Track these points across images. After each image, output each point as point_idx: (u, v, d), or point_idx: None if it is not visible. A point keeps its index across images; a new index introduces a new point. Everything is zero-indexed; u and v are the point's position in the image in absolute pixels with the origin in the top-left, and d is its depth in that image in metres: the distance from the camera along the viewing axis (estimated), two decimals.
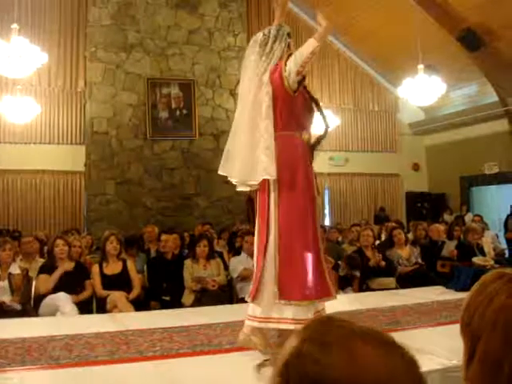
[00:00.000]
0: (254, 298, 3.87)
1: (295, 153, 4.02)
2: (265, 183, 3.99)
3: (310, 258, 3.90)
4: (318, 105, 4.30)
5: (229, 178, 4.10)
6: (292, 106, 4.04)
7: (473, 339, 1.20)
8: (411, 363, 0.95)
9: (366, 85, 16.71)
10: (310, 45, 3.91)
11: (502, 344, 1.13)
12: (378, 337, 0.97)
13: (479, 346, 1.18)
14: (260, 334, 3.83)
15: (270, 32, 4.25)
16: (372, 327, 1.00)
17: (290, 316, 3.71)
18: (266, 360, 1.68)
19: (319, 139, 4.22)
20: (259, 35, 4.28)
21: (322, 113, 4.31)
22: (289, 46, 4.26)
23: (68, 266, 6.55)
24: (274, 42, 4.22)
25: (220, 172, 4.09)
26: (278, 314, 3.78)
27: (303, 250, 3.90)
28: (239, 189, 4.23)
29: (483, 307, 1.19)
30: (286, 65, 3.98)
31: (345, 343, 0.93)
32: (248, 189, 4.25)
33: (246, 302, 4.67)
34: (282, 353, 0.97)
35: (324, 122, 4.31)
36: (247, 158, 3.99)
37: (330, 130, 4.41)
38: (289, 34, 4.33)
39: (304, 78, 4.11)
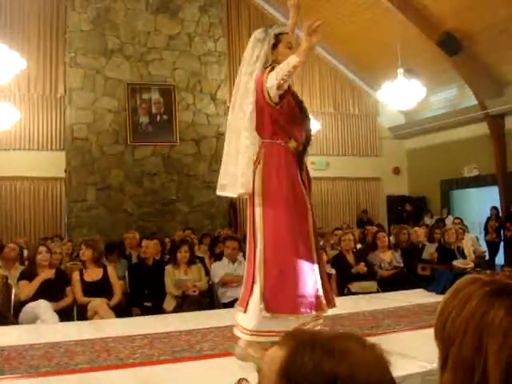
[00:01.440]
0: (246, 310, 3.87)
1: (279, 164, 3.96)
2: (251, 195, 3.98)
3: (299, 271, 3.86)
4: (302, 111, 4.23)
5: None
6: (276, 114, 3.99)
7: (446, 344, 1.21)
8: (386, 361, 1.05)
9: (346, 89, 16.78)
10: (292, 61, 3.83)
11: (474, 349, 1.13)
12: (356, 337, 1.05)
13: (452, 352, 1.18)
14: (257, 344, 3.78)
15: (254, 36, 4.22)
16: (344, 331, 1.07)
17: (277, 329, 3.65)
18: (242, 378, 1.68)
19: (304, 146, 4.17)
20: (251, 38, 4.25)
21: (306, 119, 4.26)
22: (276, 47, 4.17)
23: (48, 273, 6.50)
24: (256, 46, 4.16)
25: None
26: (267, 327, 3.75)
27: (291, 263, 3.86)
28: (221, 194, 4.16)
29: (456, 312, 1.20)
30: (267, 77, 3.90)
31: (335, 341, 1.00)
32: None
33: (226, 307, 4.68)
34: (268, 365, 0.99)
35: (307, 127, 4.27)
36: (233, 168, 3.99)
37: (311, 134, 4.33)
38: (277, 35, 4.24)
39: (288, 89, 4.02)
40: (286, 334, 1.05)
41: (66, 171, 13.12)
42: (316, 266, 3.97)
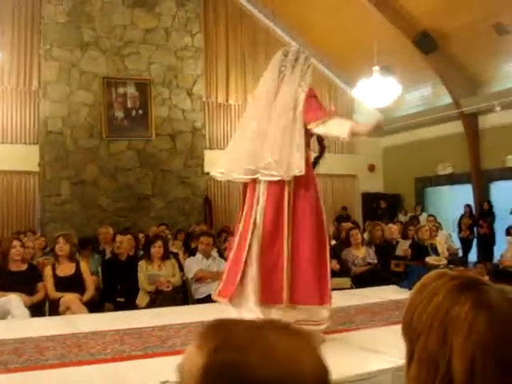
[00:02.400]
0: (232, 300, 4.06)
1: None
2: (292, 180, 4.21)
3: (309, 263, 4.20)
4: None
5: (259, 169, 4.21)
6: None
7: (412, 339, 1.21)
8: (317, 349, 0.99)
9: (323, 86, 16.78)
10: (342, 133, 4.17)
11: (438, 344, 1.13)
12: (281, 326, 0.99)
13: (417, 346, 1.18)
14: None
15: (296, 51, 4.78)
16: (271, 319, 1.03)
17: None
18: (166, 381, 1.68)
19: (316, 159, 4.68)
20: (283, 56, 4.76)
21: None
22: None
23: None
24: (297, 63, 4.64)
25: (249, 167, 4.22)
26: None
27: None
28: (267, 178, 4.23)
29: (422, 307, 1.20)
30: (315, 120, 4.24)
31: (258, 339, 0.94)
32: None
33: (200, 303, 4.70)
34: (187, 368, 0.96)
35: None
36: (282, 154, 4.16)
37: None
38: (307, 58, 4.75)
39: None
40: (204, 331, 1.00)
41: (39, 165, 12.99)
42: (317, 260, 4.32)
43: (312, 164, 4.49)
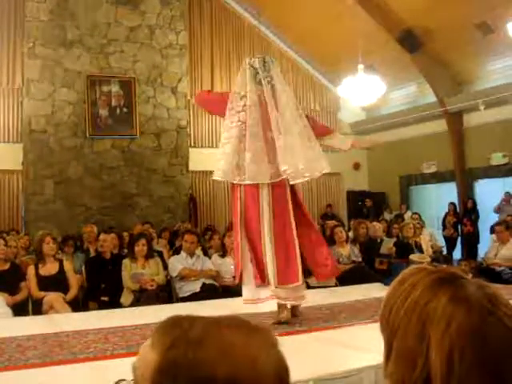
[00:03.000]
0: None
1: None
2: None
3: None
4: None
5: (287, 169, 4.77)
6: None
7: (390, 335, 1.20)
8: (276, 345, 0.98)
9: (308, 84, 16.82)
10: (344, 147, 5.90)
11: (416, 339, 1.13)
12: (239, 323, 0.98)
13: (395, 342, 1.17)
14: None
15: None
16: (230, 315, 1.02)
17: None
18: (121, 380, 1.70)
19: None
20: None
21: None
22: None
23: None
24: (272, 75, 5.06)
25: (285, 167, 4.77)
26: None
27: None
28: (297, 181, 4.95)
29: (400, 302, 1.19)
30: (328, 134, 5.80)
31: (215, 336, 0.92)
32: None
33: (184, 301, 4.76)
34: (140, 366, 0.94)
35: None
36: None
37: None
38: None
39: None
40: (158, 329, 0.98)
41: (23, 164, 12.90)
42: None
43: None
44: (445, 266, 7.94)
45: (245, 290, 5.01)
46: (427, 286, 1.17)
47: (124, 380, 1.14)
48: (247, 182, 4.83)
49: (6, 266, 6.49)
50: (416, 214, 12.69)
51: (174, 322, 0.98)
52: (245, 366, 0.89)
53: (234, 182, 4.91)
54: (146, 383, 0.92)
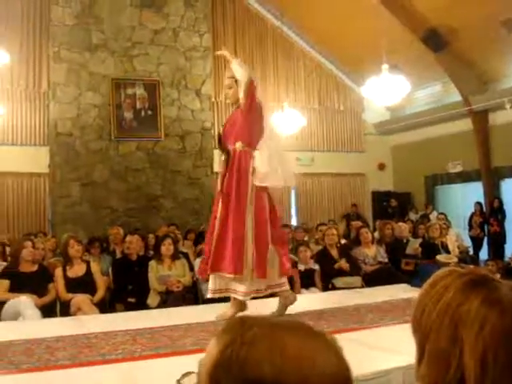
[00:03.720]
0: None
1: None
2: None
3: None
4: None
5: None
6: None
7: (422, 337, 1.20)
8: (335, 349, 0.99)
9: (332, 84, 16.78)
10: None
11: (449, 342, 1.13)
12: (298, 326, 1.00)
13: (428, 344, 1.18)
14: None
15: None
16: (291, 319, 1.03)
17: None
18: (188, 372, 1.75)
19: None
20: None
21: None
22: None
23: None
24: None
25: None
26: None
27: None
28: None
29: (432, 304, 1.19)
30: None
31: (270, 337, 0.94)
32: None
33: (210, 303, 4.78)
34: (204, 361, 0.97)
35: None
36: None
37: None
38: None
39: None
40: (224, 327, 1.02)
41: (49, 167, 13.03)
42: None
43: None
44: (472, 266, 7.89)
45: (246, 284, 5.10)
46: (459, 288, 1.17)
47: (192, 372, 1.18)
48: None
49: (34, 268, 6.57)
50: (442, 214, 12.60)
51: (238, 321, 1.02)
52: (293, 367, 0.91)
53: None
54: (206, 377, 0.96)
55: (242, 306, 5.13)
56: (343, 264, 7.53)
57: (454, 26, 12.89)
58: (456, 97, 14.46)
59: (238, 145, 5.13)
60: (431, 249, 8.23)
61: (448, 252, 8.38)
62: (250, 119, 5.14)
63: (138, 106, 13.27)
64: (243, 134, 5.17)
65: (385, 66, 11.36)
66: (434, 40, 13.24)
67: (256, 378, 0.90)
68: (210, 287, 5.16)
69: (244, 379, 0.91)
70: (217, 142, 5.39)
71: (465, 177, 15.44)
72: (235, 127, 5.23)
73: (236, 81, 5.21)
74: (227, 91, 5.39)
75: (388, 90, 11.75)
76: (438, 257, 7.80)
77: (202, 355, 3.32)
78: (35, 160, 13.20)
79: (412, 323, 1.26)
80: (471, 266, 7.79)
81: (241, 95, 5.15)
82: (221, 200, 5.16)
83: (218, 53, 5.80)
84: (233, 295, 5.16)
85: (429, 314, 1.19)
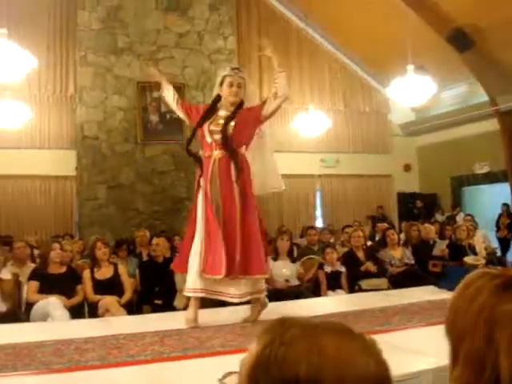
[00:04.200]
0: None
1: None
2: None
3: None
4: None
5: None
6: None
7: (456, 339, 1.20)
8: (374, 350, 1.00)
9: (357, 86, 16.72)
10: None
11: (484, 343, 1.13)
12: (337, 327, 1.00)
13: (462, 346, 1.18)
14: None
15: None
16: (330, 320, 1.03)
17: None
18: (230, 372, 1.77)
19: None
20: None
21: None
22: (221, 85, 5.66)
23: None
24: None
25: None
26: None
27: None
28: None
29: (466, 307, 1.19)
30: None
31: (308, 338, 0.95)
32: None
33: (237, 304, 4.79)
34: (245, 361, 0.98)
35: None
36: None
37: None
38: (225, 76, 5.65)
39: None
40: (265, 328, 1.02)
41: (76, 170, 13.17)
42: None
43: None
44: (500, 268, 7.82)
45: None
46: (492, 290, 1.17)
47: (233, 372, 1.19)
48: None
49: (63, 270, 6.66)
50: (469, 215, 12.50)
51: (278, 322, 1.02)
52: (331, 367, 0.91)
53: None
54: (245, 377, 0.97)
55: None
56: (370, 266, 7.51)
57: (480, 25, 12.77)
58: (482, 97, 14.33)
59: (243, 148, 5.25)
60: (458, 250, 8.16)
61: (475, 253, 8.31)
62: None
63: (164, 109, 13.32)
64: (249, 139, 5.32)
65: (410, 67, 11.31)
66: (460, 40, 13.13)
67: (293, 377, 0.91)
68: (190, 286, 5.03)
69: (282, 379, 0.92)
70: (223, 138, 5.16)
71: (492, 177, 15.29)
72: (245, 131, 5.27)
73: (244, 82, 5.42)
74: (237, 90, 5.35)
75: (414, 91, 11.69)
76: (466, 258, 7.73)
77: (229, 357, 3.36)
78: (62, 163, 13.35)
79: (445, 325, 1.26)
80: (499, 268, 7.73)
81: (272, 107, 5.26)
82: (238, 199, 5.10)
83: (264, 53, 5.82)
84: (223, 298, 5.12)
85: (463, 316, 1.19)
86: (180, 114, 5.66)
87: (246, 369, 0.97)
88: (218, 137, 5.18)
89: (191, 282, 5.00)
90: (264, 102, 5.37)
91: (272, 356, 0.94)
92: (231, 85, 5.40)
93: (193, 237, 5.14)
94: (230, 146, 5.15)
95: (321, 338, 0.95)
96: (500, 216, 14.13)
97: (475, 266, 7.09)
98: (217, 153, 5.19)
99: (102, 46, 13.12)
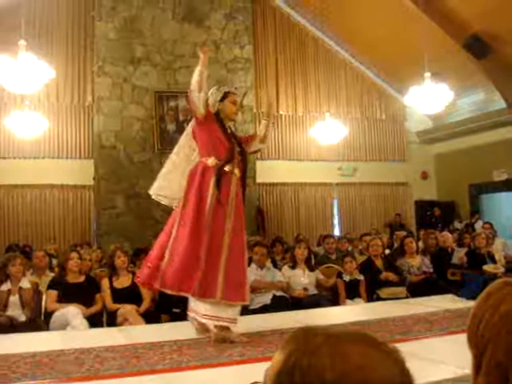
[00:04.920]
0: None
1: (194, 176, 5.16)
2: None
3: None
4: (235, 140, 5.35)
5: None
6: (200, 134, 5.34)
7: (479, 349, 1.19)
8: (397, 359, 0.97)
9: (373, 94, 16.69)
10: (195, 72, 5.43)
11: (507, 352, 1.12)
12: (361, 336, 0.99)
13: (485, 356, 1.17)
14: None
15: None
16: (353, 329, 1.03)
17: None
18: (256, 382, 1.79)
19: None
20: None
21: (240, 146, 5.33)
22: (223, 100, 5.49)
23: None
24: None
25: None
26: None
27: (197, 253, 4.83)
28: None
29: (489, 315, 1.19)
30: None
31: (332, 346, 0.95)
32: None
33: (255, 313, 4.80)
34: (269, 371, 0.98)
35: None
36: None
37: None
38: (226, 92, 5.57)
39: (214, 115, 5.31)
40: (289, 337, 1.02)
41: (94, 179, 13.25)
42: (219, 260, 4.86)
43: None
44: None
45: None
46: None
47: (258, 382, 1.19)
48: None
49: (82, 279, 6.68)
50: (488, 223, 12.40)
51: (302, 331, 1.02)
52: (355, 375, 0.91)
53: None
54: (272, 380, 0.97)
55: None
56: (391, 275, 7.47)
57: (497, 31, 12.71)
58: (500, 104, 14.25)
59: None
60: (477, 259, 8.08)
61: (494, 262, 8.24)
62: None
63: (181, 118, 13.38)
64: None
65: (427, 74, 11.29)
66: (477, 47, 13.08)
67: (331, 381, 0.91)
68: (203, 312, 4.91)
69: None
70: (244, 157, 5.28)
71: (510, 185, 15.17)
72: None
73: None
74: (237, 109, 5.49)
75: (431, 99, 11.66)
76: (485, 267, 7.67)
77: (248, 366, 3.37)
78: (80, 173, 13.44)
79: (468, 335, 1.25)
80: None
81: (254, 148, 5.67)
82: (234, 209, 5.03)
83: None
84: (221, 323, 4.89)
85: (485, 325, 1.18)
86: (200, 109, 5.29)
87: (270, 378, 0.97)
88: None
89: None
90: (254, 137, 5.64)
91: (297, 364, 0.93)
92: (234, 103, 5.44)
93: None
94: (246, 166, 5.30)
95: (345, 346, 0.95)
96: None
97: (495, 275, 7.04)
98: (237, 171, 5.17)
99: (119, 56, 13.21)
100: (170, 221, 5.26)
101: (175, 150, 5.68)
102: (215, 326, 4.81)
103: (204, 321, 4.85)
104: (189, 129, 5.62)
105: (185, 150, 5.58)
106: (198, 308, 4.87)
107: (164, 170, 5.60)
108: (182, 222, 4.99)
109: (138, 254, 8.67)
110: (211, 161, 5.08)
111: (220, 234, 4.89)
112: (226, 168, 5.06)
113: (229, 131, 5.36)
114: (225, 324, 4.84)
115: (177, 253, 4.86)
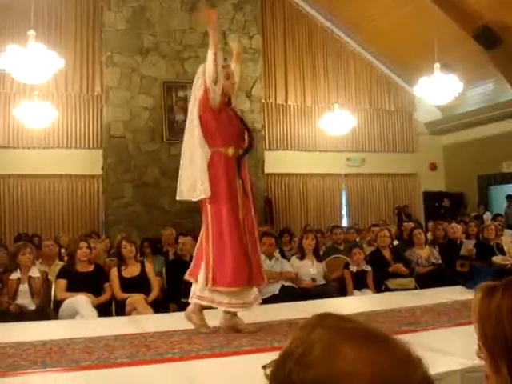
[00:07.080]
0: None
1: (218, 168, 4.80)
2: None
3: (233, 252, 4.64)
4: (244, 123, 5.10)
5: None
6: (215, 124, 4.85)
7: (496, 350, 1.19)
8: (406, 361, 0.94)
9: (382, 84, 16.63)
10: (209, 56, 4.79)
11: None
12: (369, 335, 0.95)
13: (500, 357, 1.17)
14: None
15: (199, 69, 5.03)
16: (368, 325, 0.98)
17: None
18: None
19: (244, 152, 4.95)
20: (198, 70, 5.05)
21: (248, 130, 5.09)
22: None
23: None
24: (200, 77, 4.98)
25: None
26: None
27: (229, 247, 4.67)
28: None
29: (507, 316, 1.18)
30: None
31: (328, 342, 0.92)
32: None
33: (264, 303, 4.81)
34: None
35: (249, 138, 5.03)
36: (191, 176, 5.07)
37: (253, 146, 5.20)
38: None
39: (229, 99, 5.08)
40: (303, 322, 1.00)
41: (103, 169, 13.28)
42: (248, 248, 4.74)
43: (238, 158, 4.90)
44: None
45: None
46: None
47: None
48: None
49: (91, 268, 6.71)
50: (498, 215, 12.35)
51: (314, 318, 1.00)
52: (336, 376, 0.88)
53: None
54: (271, 372, 0.97)
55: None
56: (401, 268, 7.46)
57: (507, 22, 12.62)
58: (510, 95, 14.17)
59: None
60: (486, 250, 8.05)
61: (503, 253, 8.21)
62: None
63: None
64: None
65: (436, 65, 11.24)
66: (487, 37, 13.00)
67: (311, 377, 0.89)
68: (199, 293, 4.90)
69: (297, 377, 0.91)
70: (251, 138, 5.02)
71: None
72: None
73: None
74: (232, 82, 5.19)
75: (440, 89, 11.61)
76: (495, 258, 7.65)
77: (257, 355, 3.37)
78: (89, 162, 13.49)
79: (483, 335, 1.24)
80: None
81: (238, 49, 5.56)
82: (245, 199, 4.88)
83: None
84: (230, 309, 4.82)
85: (502, 326, 1.18)
86: (216, 100, 4.87)
87: (273, 364, 0.97)
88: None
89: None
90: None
91: (293, 352, 0.93)
92: (228, 76, 5.05)
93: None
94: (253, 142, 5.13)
95: (343, 340, 0.92)
96: None
97: (504, 266, 7.03)
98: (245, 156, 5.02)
99: (128, 46, 13.21)
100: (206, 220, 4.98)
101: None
102: (226, 312, 4.80)
103: (223, 308, 4.80)
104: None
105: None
106: (216, 297, 4.77)
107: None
108: (219, 220, 4.80)
109: (145, 243, 8.66)
110: (231, 151, 4.82)
111: (249, 220, 4.86)
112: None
113: (238, 113, 5.19)
114: (237, 310, 4.83)
115: (227, 254, 4.72)
